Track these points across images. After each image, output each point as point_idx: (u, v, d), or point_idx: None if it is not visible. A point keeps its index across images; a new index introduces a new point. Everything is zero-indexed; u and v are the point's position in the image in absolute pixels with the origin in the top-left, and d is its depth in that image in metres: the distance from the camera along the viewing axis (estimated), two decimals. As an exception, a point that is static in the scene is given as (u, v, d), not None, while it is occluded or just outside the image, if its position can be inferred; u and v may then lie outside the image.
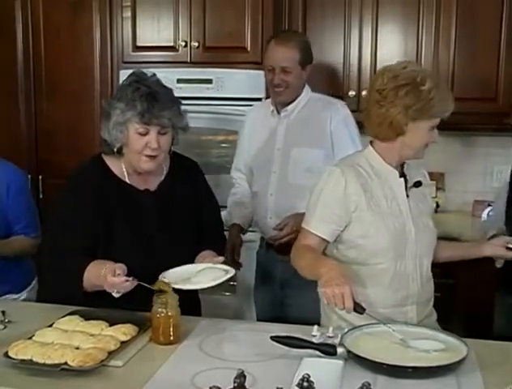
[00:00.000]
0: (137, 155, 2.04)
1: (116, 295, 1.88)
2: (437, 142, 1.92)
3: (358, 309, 1.72)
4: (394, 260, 1.92)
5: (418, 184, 2.00)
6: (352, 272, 1.91)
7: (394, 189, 1.96)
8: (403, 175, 1.98)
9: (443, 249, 2.10)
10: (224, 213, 2.79)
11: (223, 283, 1.95)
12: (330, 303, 1.72)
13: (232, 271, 1.98)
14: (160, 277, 1.91)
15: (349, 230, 1.94)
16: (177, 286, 1.86)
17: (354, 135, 2.64)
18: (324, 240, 1.95)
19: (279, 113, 2.71)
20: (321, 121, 2.64)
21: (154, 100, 1.98)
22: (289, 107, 2.69)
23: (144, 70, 2.10)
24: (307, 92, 2.72)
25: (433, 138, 1.92)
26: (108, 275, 1.85)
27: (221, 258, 2.05)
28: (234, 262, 2.72)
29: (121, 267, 1.86)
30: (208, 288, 1.96)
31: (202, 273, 1.97)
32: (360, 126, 2.66)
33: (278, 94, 2.66)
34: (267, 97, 3.10)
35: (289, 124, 2.69)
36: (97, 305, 1.95)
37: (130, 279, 1.85)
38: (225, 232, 2.49)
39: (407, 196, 1.97)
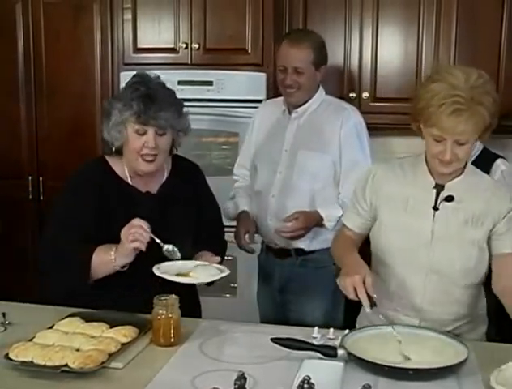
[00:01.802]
0: (135, 155, 2.04)
1: (132, 245, 1.90)
2: (444, 159, 1.78)
3: (370, 301, 1.74)
4: (400, 266, 1.91)
5: (449, 198, 1.86)
6: (375, 267, 1.97)
7: (423, 197, 1.89)
8: (442, 187, 1.88)
9: (501, 291, 1.83)
10: (229, 205, 2.77)
11: (216, 281, 1.96)
12: (344, 292, 1.77)
13: (226, 271, 1.97)
14: (154, 268, 1.92)
15: (374, 225, 1.99)
16: (171, 278, 1.87)
17: (364, 143, 2.59)
18: (356, 232, 2.04)
19: (290, 113, 2.68)
20: (331, 126, 2.59)
21: (150, 101, 1.99)
22: (300, 108, 2.64)
23: (149, 72, 2.11)
24: (321, 94, 2.67)
25: (440, 152, 1.78)
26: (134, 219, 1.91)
27: (218, 258, 2.05)
28: (248, 247, 2.68)
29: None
30: (202, 283, 1.97)
31: (197, 269, 1.96)
32: (370, 128, 2.67)
33: (289, 95, 2.61)
34: (268, 99, 3.11)
35: (299, 126, 2.65)
36: (98, 306, 1.96)
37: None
38: (228, 234, 2.49)
39: (436, 209, 1.88)
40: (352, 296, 1.74)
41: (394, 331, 1.74)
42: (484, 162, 2.56)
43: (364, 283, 1.73)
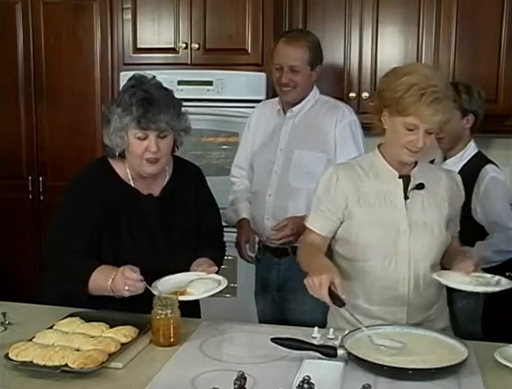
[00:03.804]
0: (138, 159, 2.04)
1: (126, 293, 1.88)
2: (419, 147, 1.85)
3: (337, 301, 1.74)
4: (383, 258, 1.92)
5: (420, 186, 1.97)
6: (347, 268, 1.98)
7: (391, 189, 1.96)
8: (408, 176, 1.96)
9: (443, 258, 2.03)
10: (229, 213, 2.77)
11: (215, 294, 1.96)
12: (311, 291, 1.76)
13: (224, 283, 1.97)
14: (153, 285, 1.92)
15: (343, 227, 1.98)
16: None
17: (358, 142, 2.60)
18: (322, 236, 2.01)
19: (285, 112, 2.70)
20: (326, 124, 2.61)
21: (149, 104, 1.98)
22: (295, 108, 2.66)
23: (144, 73, 2.10)
24: (315, 94, 2.69)
25: (411, 141, 1.85)
26: (127, 270, 1.87)
27: (215, 268, 2.06)
28: (248, 257, 2.70)
29: (137, 267, 1.90)
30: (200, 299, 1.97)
31: (194, 283, 1.96)
32: (365, 128, 2.68)
33: (285, 93, 2.63)
34: (267, 99, 3.11)
35: (294, 125, 2.67)
36: (98, 306, 1.96)
37: (144, 281, 1.87)
38: (228, 234, 2.49)
39: (407, 197, 1.96)
40: (316, 293, 1.74)
41: (371, 337, 1.74)
42: (475, 166, 2.58)
43: (332, 283, 1.73)
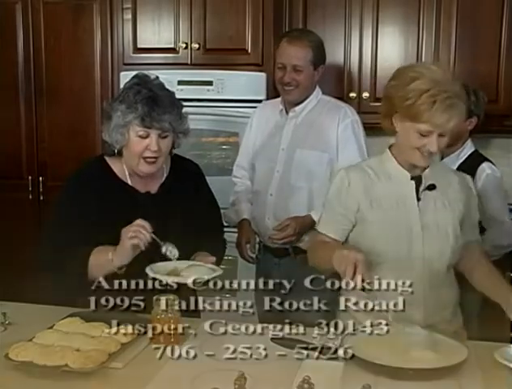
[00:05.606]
0: (137, 158, 2.04)
1: (132, 241, 1.89)
2: (433, 151, 1.83)
3: (366, 285, 1.70)
4: (397, 261, 1.91)
5: (432, 187, 1.93)
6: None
7: (404, 191, 1.94)
8: (419, 177, 1.93)
9: (480, 280, 1.99)
10: (230, 214, 2.78)
11: (208, 281, 1.93)
12: (340, 270, 1.71)
13: (219, 271, 1.95)
14: (147, 269, 1.90)
15: (356, 231, 1.96)
16: (162, 278, 1.85)
17: (360, 141, 2.61)
18: (335, 239, 1.98)
19: (287, 112, 2.70)
20: (328, 124, 2.62)
21: (155, 103, 1.99)
22: (298, 107, 2.67)
23: (147, 73, 2.10)
24: (317, 94, 2.70)
25: (424, 145, 1.83)
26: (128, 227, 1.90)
27: (213, 259, 2.04)
28: (249, 257, 2.70)
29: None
30: (191, 282, 1.94)
31: (189, 269, 1.95)
32: (366, 128, 2.68)
33: (287, 93, 2.64)
34: (268, 99, 3.12)
35: (296, 125, 2.67)
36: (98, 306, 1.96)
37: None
38: (228, 234, 2.49)
39: (419, 199, 1.93)
40: (349, 274, 1.68)
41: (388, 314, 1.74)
42: (472, 164, 2.61)
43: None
